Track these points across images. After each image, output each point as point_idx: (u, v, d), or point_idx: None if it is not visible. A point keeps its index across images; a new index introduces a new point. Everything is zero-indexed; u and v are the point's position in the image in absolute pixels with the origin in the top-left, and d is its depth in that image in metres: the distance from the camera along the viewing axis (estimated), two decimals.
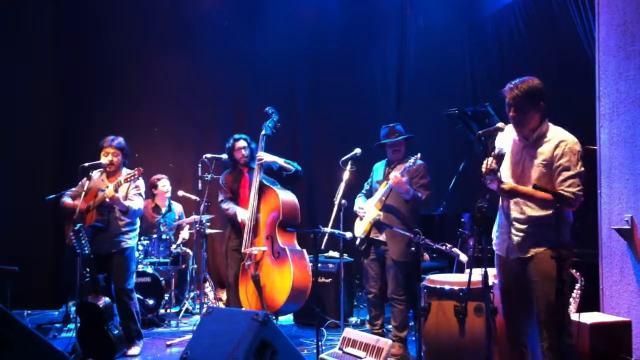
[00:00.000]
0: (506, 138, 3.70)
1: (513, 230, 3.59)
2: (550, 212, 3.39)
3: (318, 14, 8.69)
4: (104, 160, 5.42)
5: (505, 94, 3.54)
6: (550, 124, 3.58)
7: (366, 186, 5.58)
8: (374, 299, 5.36)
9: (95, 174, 5.57)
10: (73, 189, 5.55)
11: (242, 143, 6.02)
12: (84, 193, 5.31)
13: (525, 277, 3.54)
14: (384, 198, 5.22)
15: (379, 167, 5.51)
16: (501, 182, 3.52)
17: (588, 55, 5.67)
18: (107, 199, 5.17)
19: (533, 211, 3.50)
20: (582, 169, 3.43)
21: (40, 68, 7.85)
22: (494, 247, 3.77)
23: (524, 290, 3.56)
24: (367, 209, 5.28)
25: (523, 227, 3.54)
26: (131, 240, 5.49)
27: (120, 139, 5.53)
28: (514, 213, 3.58)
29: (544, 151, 3.50)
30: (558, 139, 3.48)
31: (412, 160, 5.00)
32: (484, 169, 3.45)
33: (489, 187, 3.51)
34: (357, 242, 5.38)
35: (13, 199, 7.44)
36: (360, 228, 5.33)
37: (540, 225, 3.47)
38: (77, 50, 7.93)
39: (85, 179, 5.42)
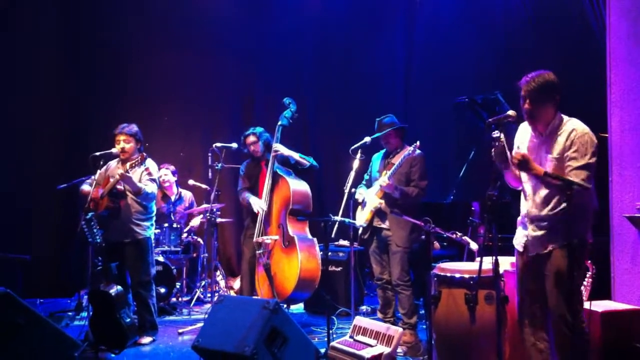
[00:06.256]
0: (523, 136, 3.72)
1: (532, 227, 3.59)
2: (565, 207, 3.32)
3: (325, 4, 8.66)
4: (116, 148, 5.43)
5: (521, 86, 3.53)
6: (564, 117, 3.55)
7: (366, 177, 5.58)
8: (384, 285, 5.38)
9: (113, 163, 5.58)
10: (94, 176, 5.47)
11: (251, 139, 6.02)
12: (95, 182, 5.32)
13: (542, 272, 3.54)
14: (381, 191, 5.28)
15: (377, 158, 5.54)
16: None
17: (599, 42, 5.62)
18: (118, 177, 5.13)
19: (550, 208, 3.48)
20: (592, 160, 3.39)
21: (50, 57, 7.86)
22: (514, 242, 3.77)
23: (540, 286, 3.57)
24: (368, 198, 5.31)
25: (541, 224, 3.53)
26: (145, 231, 5.48)
27: (132, 126, 5.51)
28: (533, 210, 3.58)
29: (558, 144, 3.48)
30: (569, 129, 3.47)
31: (410, 149, 5.06)
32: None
33: (501, 174, 3.52)
34: (360, 230, 5.41)
35: (24, 188, 7.47)
36: (362, 216, 5.36)
37: (557, 222, 3.45)
38: (87, 40, 7.93)
39: (104, 167, 5.43)
